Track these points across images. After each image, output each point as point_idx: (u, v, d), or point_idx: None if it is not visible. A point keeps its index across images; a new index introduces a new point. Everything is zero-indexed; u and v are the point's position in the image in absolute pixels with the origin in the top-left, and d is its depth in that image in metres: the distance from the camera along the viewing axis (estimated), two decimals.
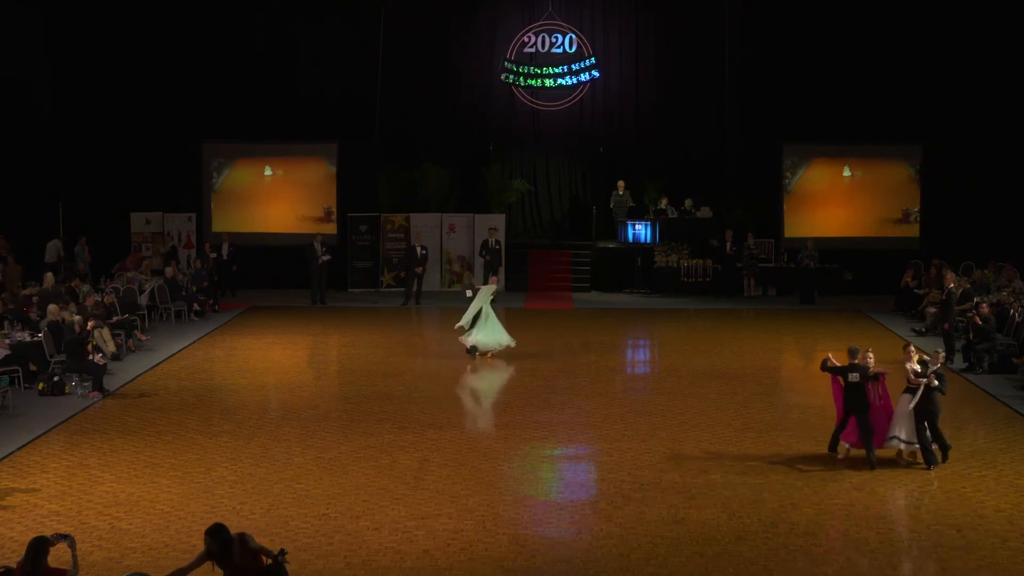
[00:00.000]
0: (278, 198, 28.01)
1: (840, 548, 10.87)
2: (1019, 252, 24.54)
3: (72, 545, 8.64)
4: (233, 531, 8.94)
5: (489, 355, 19.37)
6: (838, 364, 13.74)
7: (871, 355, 13.59)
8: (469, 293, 20.14)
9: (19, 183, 26.19)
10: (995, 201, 26.98)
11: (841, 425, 13.70)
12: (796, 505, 12.08)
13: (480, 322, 19.37)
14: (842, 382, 13.64)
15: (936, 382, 13.30)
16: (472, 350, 19.35)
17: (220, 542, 8.74)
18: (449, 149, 28.44)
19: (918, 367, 13.45)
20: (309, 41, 28.26)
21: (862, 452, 13.50)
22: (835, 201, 28.00)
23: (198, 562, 8.90)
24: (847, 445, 13.67)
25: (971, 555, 10.70)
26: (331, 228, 27.43)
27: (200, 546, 10.61)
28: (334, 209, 27.77)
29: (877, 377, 13.52)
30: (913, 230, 27.71)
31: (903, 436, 13.45)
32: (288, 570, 9.14)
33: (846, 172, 27.98)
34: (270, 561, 9.03)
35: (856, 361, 13.48)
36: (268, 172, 27.98)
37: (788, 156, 27.97)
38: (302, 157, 28.03)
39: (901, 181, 27.88)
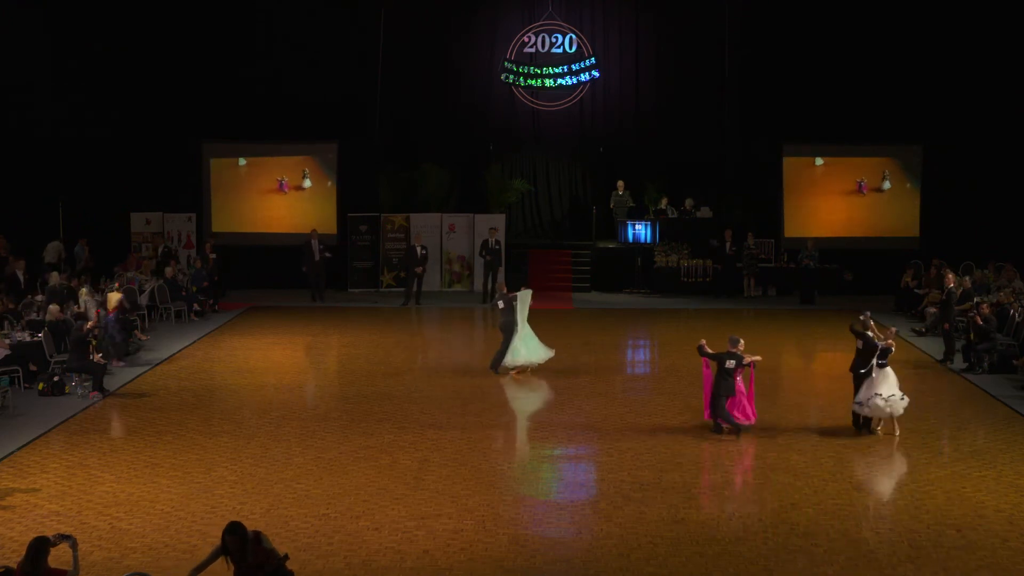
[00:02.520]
0: (274, 196, 28.03)
1: (840, 548, 10.87)
2: (1019, 252, 24.54)
3: (74, 546, 8.63)
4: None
5: (515, 372, 18.11)
6: (712, 351, 14.82)
7: (742, 343, 14.75)
8: (501, 304, 18.20)
9: (19, 183, 26.19)
10: (995, 201, 26.97)
11: (714, 411, 14.76)
12: (796, 505, 12.08)
13: (519, 335, 18.07)
14: (715, 369, 14.75)
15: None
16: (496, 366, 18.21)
17: (239, 540, 8.79)
18: (449, 149, 28.44)
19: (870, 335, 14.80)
20: (309, 41, 28.26)
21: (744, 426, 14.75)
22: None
23: (212, 557, 8.92)
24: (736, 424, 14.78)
25: (971, 555, 10.70)
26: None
27: (200, 546, 10.66)
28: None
29: (748, 365, 14.72)
30: (913, 229, 27.70)
31: (885, 393, 14.57)
32: (289, 570, 9.13)
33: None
34: (274, 563, 9.02)
35: (734, 350, 14.62)
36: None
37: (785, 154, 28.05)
38: (299, 156, 28.01)
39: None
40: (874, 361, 14.65)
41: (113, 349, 18.59)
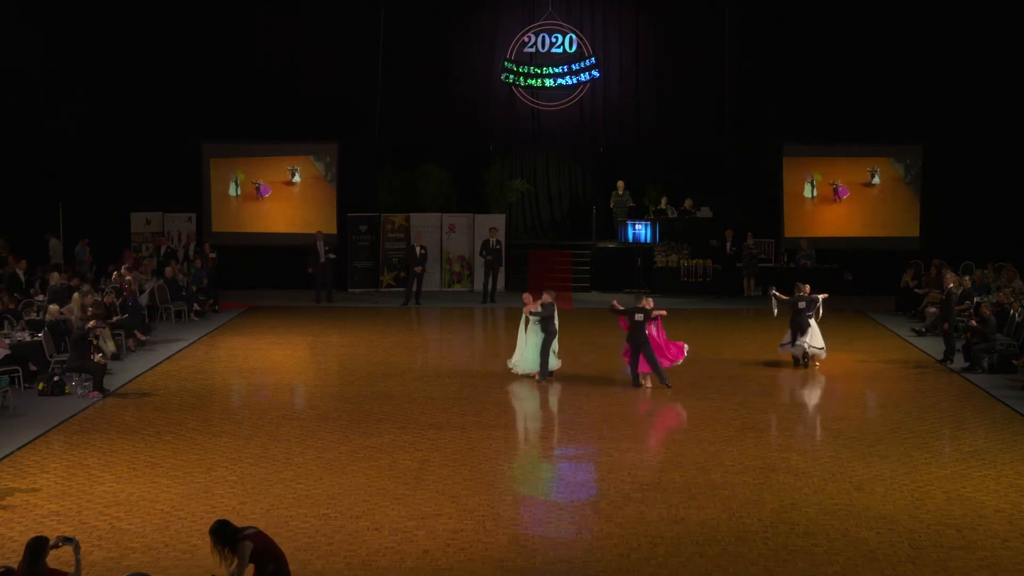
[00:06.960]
0: (275, 198, 28.02)
1: (840, 548, 10.87)
2: (1019, 252, 24.53)
3: (76, 548, 8.61)
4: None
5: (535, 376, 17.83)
6: (623, 308, 17.22)
7: (650, 300, 17.26)
8: (541, 312, 17.56)
9: (19, 183, 26.18)
10: (995, 201, 26.96)
11: (634, 361, 17.08)
12: (796, 505, 12.08)
13: (531, 343, 17.71)
14: (628, 322, 17.00)
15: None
16: (544, 373, 17.61)
17: (211, 542, 8.79)
18: (449, 149, 28.43)
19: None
20: (309, 41, 28.25)
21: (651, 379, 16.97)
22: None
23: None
24: (646, 374, 17.13)
25: (971, 555, 10.70)
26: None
27: (200, 546, 10.67)
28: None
29: (656, 318, 17.11)
30: (913, 229, 27.70)
31: (812, 343, 18.60)
32: (289, 571, 9.12)
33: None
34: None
35: (640, 305, 16.98)
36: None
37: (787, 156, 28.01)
38: (299, 157, 27.98)
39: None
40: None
41: (140, 327, 20.41)
